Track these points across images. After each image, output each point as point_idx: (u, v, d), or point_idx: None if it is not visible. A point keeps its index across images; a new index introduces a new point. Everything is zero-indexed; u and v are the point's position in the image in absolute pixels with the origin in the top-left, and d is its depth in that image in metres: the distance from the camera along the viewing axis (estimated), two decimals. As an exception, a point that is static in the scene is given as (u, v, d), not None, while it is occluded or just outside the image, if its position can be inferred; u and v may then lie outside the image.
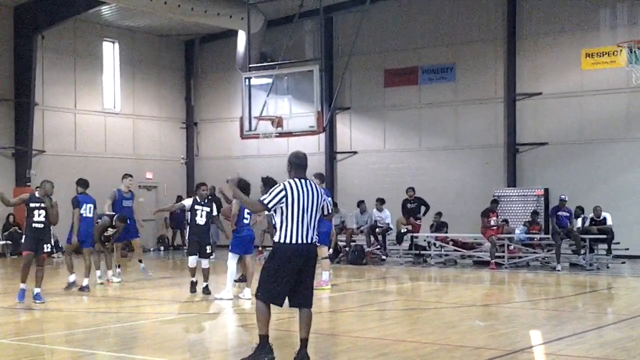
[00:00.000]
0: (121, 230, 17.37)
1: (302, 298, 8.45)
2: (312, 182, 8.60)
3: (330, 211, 8.83)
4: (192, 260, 15.39)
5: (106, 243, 17.47)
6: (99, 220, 17.16)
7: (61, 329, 11.88)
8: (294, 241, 8.33)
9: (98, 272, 17.34)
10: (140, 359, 9.13)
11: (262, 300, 8.42)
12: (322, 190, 9.17)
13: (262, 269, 8.54)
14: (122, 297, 15.63)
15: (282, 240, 8.36)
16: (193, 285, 15.39)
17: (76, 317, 13.06)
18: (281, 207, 8.34)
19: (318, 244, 16.42)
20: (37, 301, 13.89)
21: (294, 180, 8.47)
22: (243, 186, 14.22)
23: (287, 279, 8.31)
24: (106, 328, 11.84)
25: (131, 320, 12.35)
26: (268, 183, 13.77)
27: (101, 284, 17.12)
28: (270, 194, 8.37)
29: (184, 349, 9.75)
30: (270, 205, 8.34)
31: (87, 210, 16.32)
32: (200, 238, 15.45)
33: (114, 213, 17.31)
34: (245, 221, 14.52)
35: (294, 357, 8.39)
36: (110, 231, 17.25)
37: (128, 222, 17.56)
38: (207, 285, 15.09)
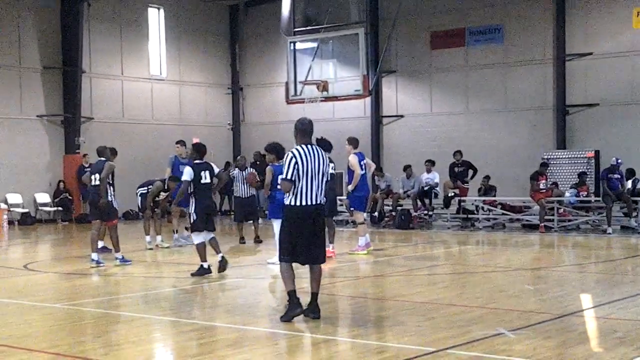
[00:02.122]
0: (173, 192, 17.45)
1: (312, 256, 9.02)
2: (317, 148, 9.07)
3: (328, 179, 9.31)
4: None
5: (155, 209, 17.66)
6: (151, 186, 17.31)
7: (112, 293, 12.05)
8: (303, 203, 8.90)
9: (147, 238, 17.55)
10: (190, 323, 9.21)
11: (284, 261, 9.03)
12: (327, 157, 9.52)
13: (279, 232, 9.23)
14: (171, 262, 15.79)
15: (292, 203, 8.94)
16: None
17: (126, 282, 13.23)
18: (295, 174, 8.85)
19: (352, 209, 16.47)
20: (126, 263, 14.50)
21: (301, 147, 8.98)
22: (278, 149, 14.15)
23: (301, 238, 8.90)
24: (157, 292, 11.99)
25: (181, 285, 12.47)
26: (322, 144, 13.86)
27: (150, 249, 17.32)
28: (286, 167, 8.89)
29: (233, 313, 9.81)
30: (291, 178, 8.86)
31: None
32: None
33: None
34: (279, 187, 14.45)
35: (306, 308, 8.98)
36: (163, 195, 17.43)
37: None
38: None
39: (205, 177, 13.02)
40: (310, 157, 8.94)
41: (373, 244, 16.75)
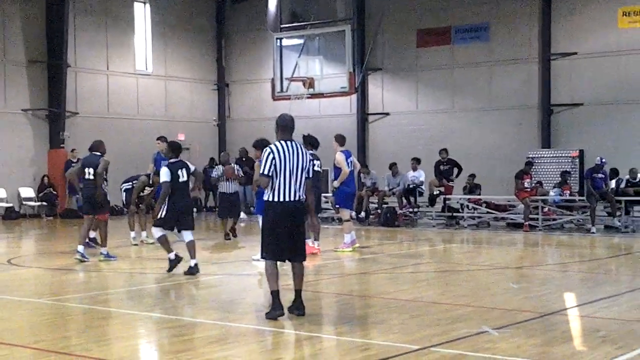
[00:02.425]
0: (158, 187, 17.43)
1: (293, 253, 9.04)
2: (297, 144, 9.05)
3: (310, 175, 9.13)
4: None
5: (140, 205, 17.61)
6: (135, 182, 17.26)
7: (96, 289, 12.00)
8: (282, 199, 8.90)
9: (132, 234, 17.50)
10: (174, 319, 9.19)
11: (267, 259, 9.05)
12: (309, 153, 9.66)
13: (261, 230, 9.21)
14: (156, 258, 15.74)
15: (271, 199, 8.95)
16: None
17: (111, 277, 13.19)
18: (272, 169, 8.86)
19: (338, 206, 16.52)
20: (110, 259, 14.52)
21: (280, 142, 8.97)
22: (265, 145, 14.19)
23: (282, 234, 8.90)
24: (141, 288, 11.95)
25: (165, 281, 12.44)
26: (310, 141, 14.16)
27: (135, 244, 17.27)
28: (263, 162, 8.89)
29: (217, 309, 9.80)
30: (268, 173, 8.86)
31: None
32: None
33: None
34: None
35: (289, 307, 9.04)
36: (147, 190, 17.39)
37: None
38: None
39: (183, 176, 12.77)
40: (289, 153, 8.91)
41: (359, 241, 16.76)
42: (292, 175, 8.90)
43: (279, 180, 8.88)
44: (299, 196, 8.99)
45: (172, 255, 12.83)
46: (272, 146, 8.95)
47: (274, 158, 8.85)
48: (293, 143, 9.04)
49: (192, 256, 12.72)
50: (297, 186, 8.96)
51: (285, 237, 8.93)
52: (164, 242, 12.83)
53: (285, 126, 9.09)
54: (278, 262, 9.13)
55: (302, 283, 9.16)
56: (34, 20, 27.14)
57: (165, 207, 12.62)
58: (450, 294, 11.10)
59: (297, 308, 9.05)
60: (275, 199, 8.91)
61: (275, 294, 8.93)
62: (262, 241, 9.17)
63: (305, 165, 9.03)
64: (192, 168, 13.09)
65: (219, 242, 18.36)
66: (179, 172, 12.70)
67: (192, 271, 12.60)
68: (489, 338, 8.00)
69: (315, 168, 15.11)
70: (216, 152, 31.70)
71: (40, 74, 27.33)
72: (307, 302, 9.22)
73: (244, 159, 25.01)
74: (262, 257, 9.20)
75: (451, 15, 27.95)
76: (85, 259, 14.27)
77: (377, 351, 7.54)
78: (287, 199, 8.90)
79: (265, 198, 9.03)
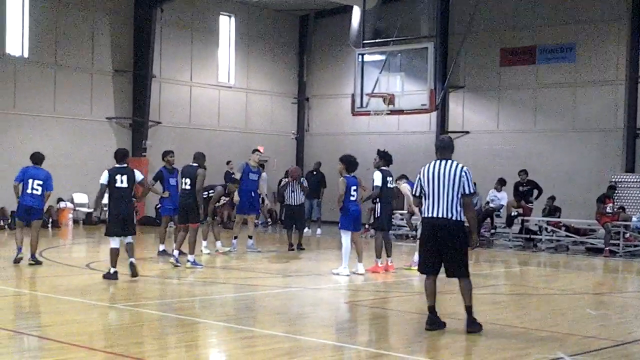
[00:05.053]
0: (233, 196, 17.76)
1: (448, 269, 9.31)
2: (453, 162, 9.25)
3: (467, 192, 9.22)
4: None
5: (215, 216, 17.86)
6: (212, 191, 17.46)
7: (170, 296, 12.15)
8: (429, 215, 9.23)
9: (204, 243, 17.67)
10: (245, 330, 9.24)
11: (422, 273, 9.53)
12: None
13: (419, 244, 9.78)
14: (229, 267, 15.88)
15: (424, 215, 9.39)
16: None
17: (185, 286, 13.34)
18: (419, 189, 9.40)
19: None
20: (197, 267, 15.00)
21: (433, 162, 9.33)
22: (349, 161, 14.50)
23: (430, 250, 9.26)
24: (214, 298, 12.06)
25: (239, 292, 12.51)
26: (384, 157, 14.35)
27: (208, 254, 17.43)
28: (415, 184, 9.54)
29: (289, 322, 9.81)
30: (415, 194, 9.52)
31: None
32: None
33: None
34: (352, 198, 14.52)
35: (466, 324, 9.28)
36: (223, 200, 17.59)
37: (252, 195, 18.21)
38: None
39: (122, 182, 13.06)
40: (439, 170, 9.19)
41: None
42: (438, 192, 9.15)
43: (427, 198, 9.27)
44: (451, 214, 9.11)
45: (112, 270, 13.06)
46: (424, 167, 9.38)
47: (419, 179, 9.36)
48: (447, 161, 9.25)
49: (131, 255, 13.15)
50: (448, 203, 9.11)
51: (434, 253, 9.22)
52: (113, 254, 13.08)
53: (443, 147, 9.43)
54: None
55: (470, 299, 9.27)
56: (122, 31, 27.78)
57: (109, 213, 13.15)
58: (526, 317, 10.89)
59: (469, 325, 9.23)
60: (425, 215, 9.35)
61: (430, 309, 9.35)
62: (418, 255, 9.74)
63: (456, 184, 9.13)
64: (138, 177, 13.32)
65: (290, 254, 18.42)
66: (118, 177, 13.03)
67: (133, 270, 13.00)
68: (563, 365, 7.80)
69: (389, 185, 15.06)
70: (293, 166, 31.84)
71: (126, 83, 27.94)
72: (377, 319, 9.17)
73: (314, 172, 25.19)
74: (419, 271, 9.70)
75: (536, 34, 27.57)
76: (178, 265, 14.89)
77: (448, 372, 7.42)
78: (434, 215, 9.17)
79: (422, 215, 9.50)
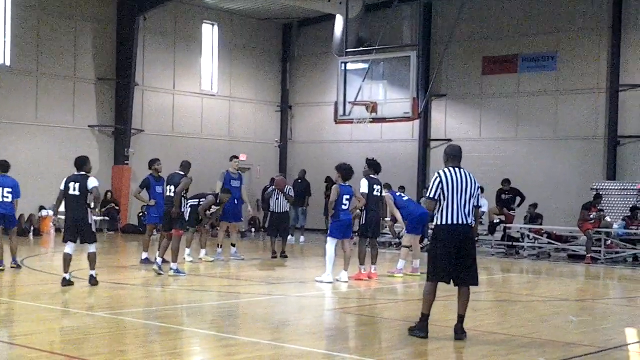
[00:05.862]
0: (223, 207, 17.77)
1: (459, 276, 9.30)
2: (466, 171, 9.35)
3: (479, 204, 9.56)
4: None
5: (206, 225, 17.87)
6: (203, 199, 17.45)
7: (154, 304, 12.12)
8: (449, 222, 9.20)
9: (187, 250, 17.64)
10: (229, 338, 9.23)
11: (430, 280, 9.37)
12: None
13: (428, 251, 9.51)
14: (214, 276, 15.86)
15: (439, 222, 9.27)
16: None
17: (168, 294, 13.31)
18: (439, 193, 9.22)
19: (406, 233, 16.48)
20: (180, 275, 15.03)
21: (449, 169, 9.33)
22: (345, 170, 14.62)
23: (446, 257, 9.17)
24: (198, 306, 12.04)
25: (223, 300, 12.50)
26: (373, 165, 14.46)
27: (191, 262, 17.41)
28: (432, 187, 9.29)
29: (273, 330, 9.81)
30: (434, 197, 9.25)
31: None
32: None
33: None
34: (344, 207, 14.61)
35: (454, 329, 9.31)
36: (214, 209, 17.59)
37: (236, 202, 18.32)
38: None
39: (74, 190, 13.27)
40: (458, 178, 9.24)
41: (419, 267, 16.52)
42: (460, 200, 9.20)
43: (447, 204, 9.19)
44: (469, 221, 9.24)
45: (67, 276, 13.24)
46: (442, 172, 9.30)
47: (440, 182, 9.22)
48: (462, 170, 9.35)
49: (91, 267, 13.25)
50: (466, 211, 9.23)
51: (451, 260, 9.18)
52: (66, 259, 13.30)
53: (454, 155, 9.45)
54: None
55: (465, 309, 9.34)
56: (105, 39, 27.73)
57: (65, 221, 13.53)
58: (508, 324, 10.94)
59: (456, 332, 9.25)
60: (443, 222, 9.23)
61: (424, 317, 9.28)
62: (428, 262, 9.44)
63: (474, 192, 9.31)
64: (91, 186, 13.36)
65: (274, 262, 18.43)
66: (71, 184, 13.33)
67: (91, 282, 13.12)
68: (545, 371, 7.85)
69: (375, 193, 15.11)
70: (277, 174, 31.86)
71: (109, 91, 27.88)
72: (362, 327, 9.19)
73: (299, 180, 25.16)
74: (427, 280, 9.42)
75: (518, 43, 27.74)
76: (181, 274, 14.97)
77: (431, 379, 7.45)
78: (454, 222, 9.18)
79: (434, 222, 9.34)
